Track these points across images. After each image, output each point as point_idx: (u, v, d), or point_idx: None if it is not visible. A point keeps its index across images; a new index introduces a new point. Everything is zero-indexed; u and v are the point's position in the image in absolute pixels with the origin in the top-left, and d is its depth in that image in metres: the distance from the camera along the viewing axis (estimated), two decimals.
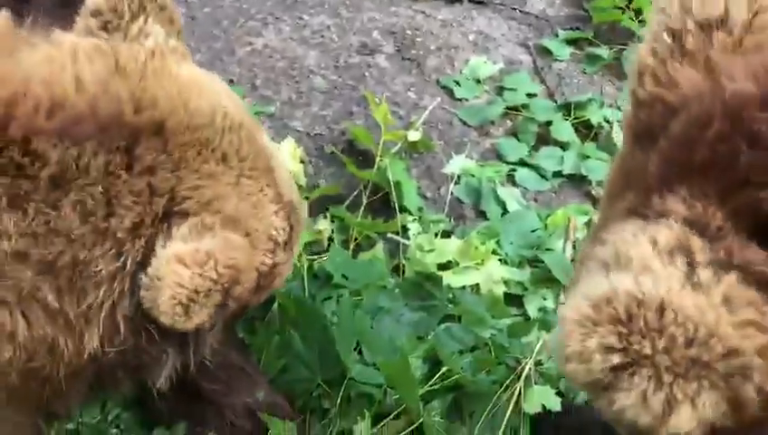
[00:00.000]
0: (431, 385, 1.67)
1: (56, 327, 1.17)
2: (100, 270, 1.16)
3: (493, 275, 1.99)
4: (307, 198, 2.22)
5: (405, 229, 2.15)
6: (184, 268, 1.14)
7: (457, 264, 2.01)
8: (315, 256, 2.05)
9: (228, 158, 1.26)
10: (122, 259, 1.16)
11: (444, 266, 2.03)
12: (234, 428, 1.61)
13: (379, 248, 2.08)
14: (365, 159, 2.40)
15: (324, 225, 2.14)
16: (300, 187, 2.27)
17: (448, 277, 1.96)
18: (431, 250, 2.02)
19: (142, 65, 1.23)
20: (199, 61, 2.66)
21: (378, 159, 2.28)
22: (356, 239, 2.12)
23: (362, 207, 2.22)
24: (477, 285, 2.01)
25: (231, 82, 2.60)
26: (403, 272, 2.05)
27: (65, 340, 1.18)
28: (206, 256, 1.15)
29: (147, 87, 1.20)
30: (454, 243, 2.08)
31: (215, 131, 1.25)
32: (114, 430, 1.65)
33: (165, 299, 1.14)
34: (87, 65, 1.19)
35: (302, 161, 2.32)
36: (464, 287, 1.98)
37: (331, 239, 2.12)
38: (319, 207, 2.24)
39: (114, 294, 1.17)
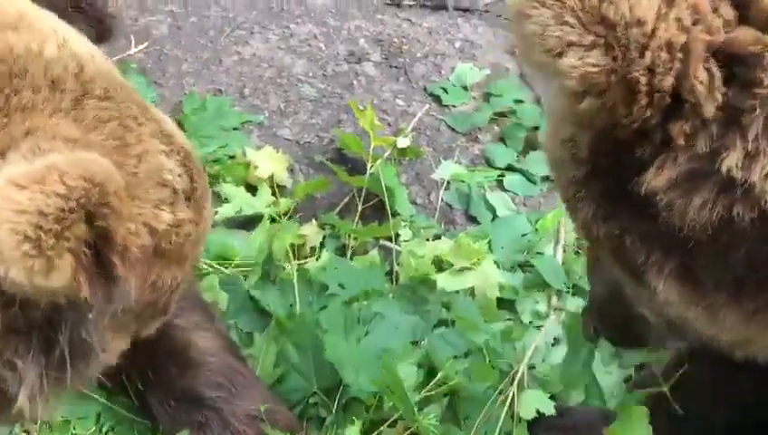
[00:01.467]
0: (427, 391, 1.67)
1: None
2: None
3: (488, 278, 2.00)
4: (297, 203, 2.22)
5: (397, 235, 2.16)
6: (20, 190, 0.86)
7: (451, 265, 2.01)
8: (302, 261, 2.04)
9: (57, 83, 1.03)
10: None
11: (438, 268, 2.03)
12: None
13: (375, 254, 2.08)
14: (354, 166, 2.40)
15: (309, 230, 2.12)
16: (282, 189, 2.26)
17: (442, 280, 1.96)
18: (422, 256, 2.02)
19: None
20: (186, 71, 2.66)
21: (369, 165, 2.28)
22: (351, 247, 2.12)
23: (357, 214, 2.21)
24: (471, 288, 2.02)
25: (219, 91, 2.60)
26: (396, 278, 2.06)
27: None
28: (46, 170, 0.87)
29: None
30: (446, 243, 2.08)
31: (31, 59, 1.04)
32: None
33: (4, 237, 0.83)
34: None
35: (290, 170, 2.32)
36: (457, 292, 1.98)
37: (322, 245, 2.12)
38: (307, 213, 2.23)
39: None
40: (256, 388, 1.66)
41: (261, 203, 2.19)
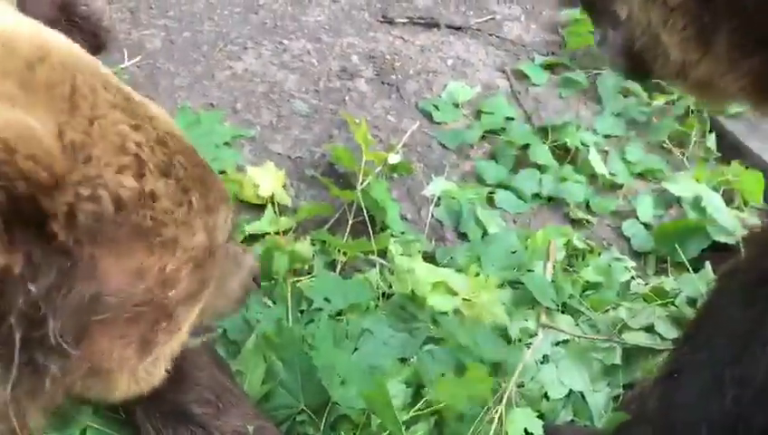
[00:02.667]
0: (417, 410, 1.66)
1: None
2: None
3: (483, 305, 2.00)
4: (299, 223, 2.22)
5: (386, 250, 2.16)
6: None
7: (448, 289, 2.01)
8: (299, 279, 2.04)
9: (14, 49, 0.94)
10: None
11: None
12: None
13: (370, 271, 2.08)
14: (345, 182, 2.41)
15: (303, 247, 2.13)
16: (285, 209, 2.27)
17: (433, 299, 1.96)
18: (413, 272, 2.02)
19: None
20: (179, 85, 2.66)
21: (360, 179, 2.28)
22: (341, 262, 2.11)
23: (348, 229, 2.22)
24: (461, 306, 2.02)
25: (211, 105, 2.61)
26: (384, 294, 2.05)
27: None
28: None
29: None
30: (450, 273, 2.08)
31: None
32: None
33: None
34: None
35: (284, 186, 2.33)
36: (446, 313, 1.98)
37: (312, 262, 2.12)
38: (300, 230, 2.23)
39: None
40: (244, 405, 1.64)
41: (264, 221, 2.19)
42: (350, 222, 2.22)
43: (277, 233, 2.17)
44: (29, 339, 0.85)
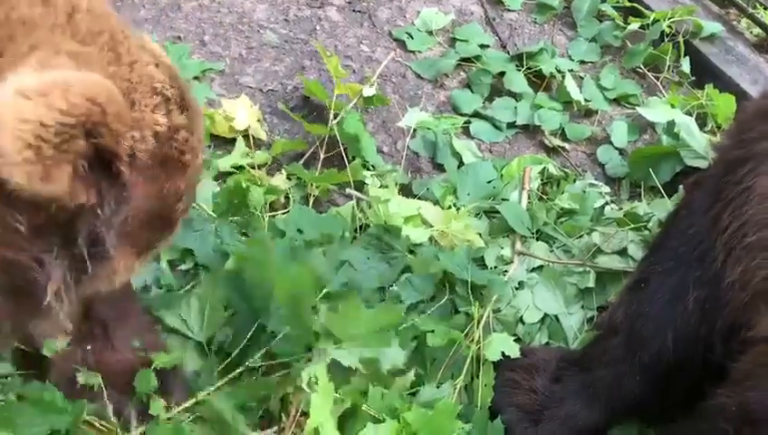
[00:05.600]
0: (398, 333, 1.69)
1: None
2: None
3: (454, 232, 2.02)
4: (275, 157, 2.20)
5: (363, 184, 2.15)
6: (25, 100, 0.92)
7: (423, 220, 2.02)
8: (275, 213, 2.04)
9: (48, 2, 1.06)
10: None
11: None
12: (114, 353, 1.60)
13: (347, 204, 2.08)
14: (319, 114, 2.37)
15: (279, 181, 2.12)
16: (259, 143, 2.25)
17: (407, 230, 1.97)
18: (387, 200, 2.02)
19: None
20: (144, 17, 2.57)
21: (332, 113, 2.26)
22: (315, 196, 2.11)
23: (320, 163, 2.20)
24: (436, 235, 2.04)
25: (178, 38, 2.53)
26: (361, 226, 2.06)
27: None
28: (53, 84, 0.94)
29: None
30: (425, 206, 2.08)
31: None
32: None
33: (7, 141, 0.90)
34: None
35: (258, 120, 2.29)
36: (421, 244, 2.00)
37: (287, 197, 2.11)
38: (275, 165, 2.22)
39: None
40: (142, 319, 1.68)
41: (237, 154, 2.16)
42: (323, 156, 2.20)
43: (252, 167, 2.15)
44: (91, 253, 1.09)
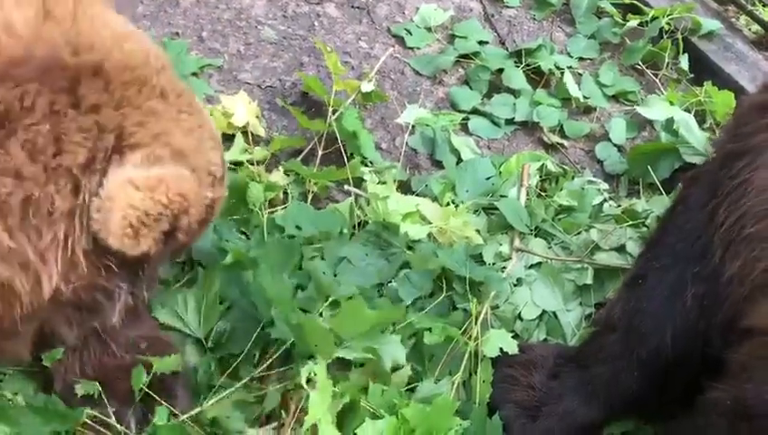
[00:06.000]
0: (396, 331, 1.69)
1: (11, 268, 1.19)
2: (57, 207, 1.19)
3: (452, 228, 2.02)
4: (273, 154, 2.20)
5: (362, 180, 2.15)
6: (136, 191, 1.18)
7: (421, 217, 2.02)
8: (273, 210, 2.03)
9: (166, 94, 1.31)
10: (79, 195, 1.20)
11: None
12: (113, 359, 1.63)
13: (346, 201, 2.08)
14: (318, 110, 2.37)
15: (277, 177, 2.11)
16: (258, 139, 2.24)
17: (405, 227, 1.97)
18: (386, 197, 2.02)
19: (71, 9, 1.25)
20: (142, 13, 2.57)
21: (330, 109, 2.25)
22: (313, 192, 2.11)
23: (318, 159, 2.20)
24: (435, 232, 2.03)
25: (176, 34, 2.53)
26: (360, 223, 2.06)
27: (21, 281, 1.20)
28: (158, 181, 1.19)
29: (80, 31, 1.24)
30: (424, 203, 2.08)
31: (150, 70, 1.30)
32: None
33: (116, 219, 1.18)
34: (14, 10, 1.20)
35: (257, 116, 2.29)
36: (420, 241, 2.00)
37: (285, 193, 2.11)
38: (272, 161, 2.21)
39: (73, 230, 1.21)
40: (142, 318, 1.69)
41: (236, 151, 2.17)
42: (321, 153, 2.20)
43: (251, 163, 2.15)
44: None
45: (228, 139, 2.22)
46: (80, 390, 1.57)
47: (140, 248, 1.21)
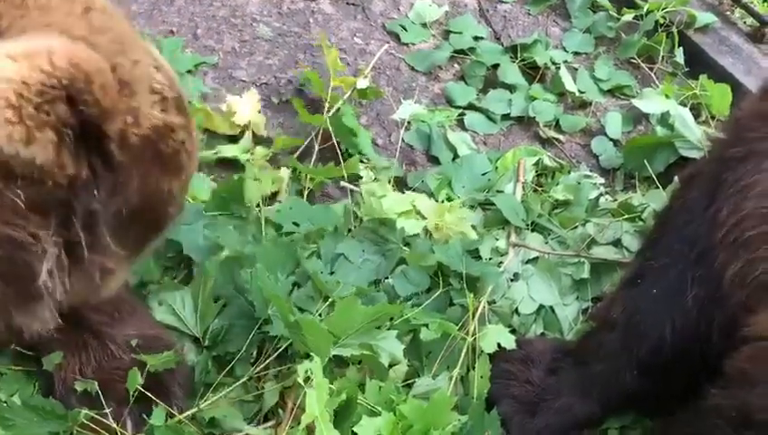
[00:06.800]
0: (394, 326, 1.69)
1: None
2: None
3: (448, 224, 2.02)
4: (275, 153, 2.19)
5: (358, 177, 2.15)
6: (12, 62, 0.95)
7: (417, 214, 2.02)
8: (269, 206, 2.03)
9: None
10: None
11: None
12: (112, 360, 1.60)
13: (342, 197, 2.08)
14: (313, 107, 2.36)
15: (279, 174, 2.11)
16: (262, 138, 2.24)
17: (401, 223, 1.97)
18: (383, 196, 2.02)
19: None
20: (137, 11, 2.56)
21: (327, 105, 2.25)
22: (309, 189, 2.11)
23: (314, 155, 2.20)
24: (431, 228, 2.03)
25: (171, 32, 2.52)
26: (357, 218, 2.06)
27: None
28: (38, 48, 0.97)
29: None
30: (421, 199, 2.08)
31: None
32: None
33: None
34: None
35: (258, 111, 2.28)
36: (417, 235, 2.00)
37: (277, 191, 2.11)
38: (271, 158, 2.21)
39: None
40: (141, 316, 1.66)
41: (240, 149, 2.16)
42: (317, 148, 2.20)
43: (248, 161, 2.14)
44: (86, 240, 1.11)
45: (231, 138, 2.22)
46: (79, 386, 1.55)
47: (39, 147, 0.95)
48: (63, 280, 1.13)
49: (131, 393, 1.53)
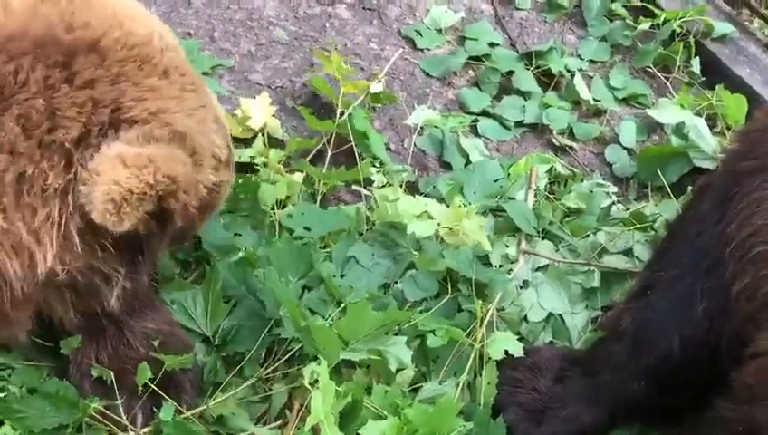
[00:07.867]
0: (402, 332, 1.70)
1: (3, 249, 1.18)
2: (50, 184, 1.18)
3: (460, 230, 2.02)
4: (289, 156, 2.21)
5: (370, 181, 2.16)
6: (123, 167, 1.15)
7: (429, 219, 2.03)
8: (282, 210, 2.04)
9: (169, 73, 1.31)
10: (72, 171, 1.19)
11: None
12: (128, 350, 1.63)
13: (354, 201, 2.08)
14: (328, 111, 2.38)
15: (296, 179, 2.12)
16: (277, 141, 2.26)
17: (413, 226, 1.97)
18: (396, 199, 2.03)
19: None
20: (155, 13, 2.58)
21: (338, 110, 2.26)
22: (322, 192, 2.12)
23: (327, 159, 2.21)
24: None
25: (188, 34, 2.55)
26: (369, 223, 2.07)
27: (13, 263, 1.19)
28: (148, 161, 1.17)
29: (75, 10, 1.26)
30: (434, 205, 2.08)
31: (153, 49, 1.31)
32: None
33: (98, 194, 1.15)
34: None
35: (273, 115, 2.30)
36: (429, 238, 2.00)
37: (289, 195, 2.12)
38: (285, 162, 2.22)
39: (67, 207, 1.19)
40: (160, 312, 1.69)
41: (253, 152, 2.18)
42: (330, 153, 2.21)
43: (265, 165, 2.15)
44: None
45: (245, 142, 2.23)
46: (94, 372, 1.58)
47: (124, 226, 1.17)
48: (121, 300, 1.42)
49: (141, 387, 1.55)
